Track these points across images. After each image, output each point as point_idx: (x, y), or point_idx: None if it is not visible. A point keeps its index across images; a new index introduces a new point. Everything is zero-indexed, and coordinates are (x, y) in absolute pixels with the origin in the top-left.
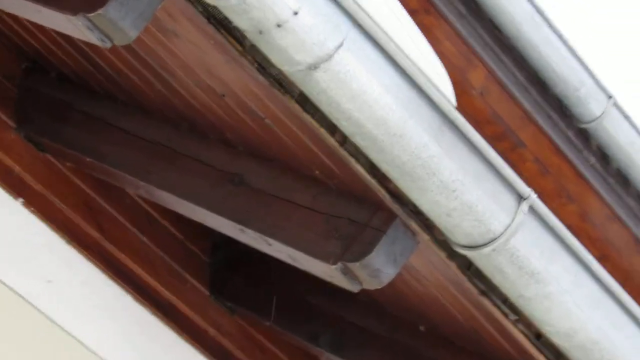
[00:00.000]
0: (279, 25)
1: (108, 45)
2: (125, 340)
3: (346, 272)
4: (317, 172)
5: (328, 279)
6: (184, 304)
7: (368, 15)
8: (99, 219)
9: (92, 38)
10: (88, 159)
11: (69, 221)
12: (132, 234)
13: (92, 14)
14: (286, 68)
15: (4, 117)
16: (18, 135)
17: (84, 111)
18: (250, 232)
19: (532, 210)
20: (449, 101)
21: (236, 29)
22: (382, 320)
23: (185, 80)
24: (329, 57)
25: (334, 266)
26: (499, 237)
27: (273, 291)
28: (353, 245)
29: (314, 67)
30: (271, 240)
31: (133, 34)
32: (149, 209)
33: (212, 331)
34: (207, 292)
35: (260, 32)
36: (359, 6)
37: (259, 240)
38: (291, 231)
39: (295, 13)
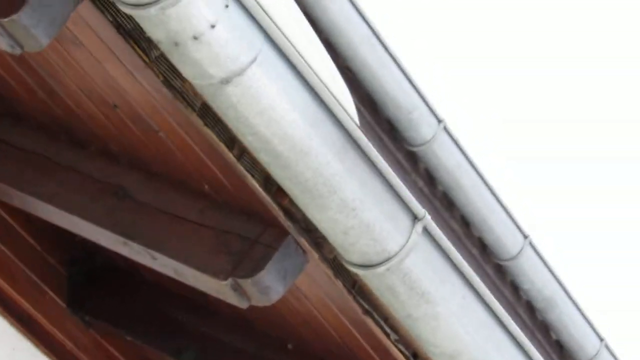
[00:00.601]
0: (195, 38)
1: (17, 52)
2: None
3: (236, 288)
4: (206, 186)
5: (215, 294)
6: (42, 316)
7: (281, 31)
8: None
9: (1, 44)
10: None
11: None
12: None
13: (5, 19)
14: (197, 81)
15: None
16: None
17: None
18: (134, 245)
19: (426, 231)
20: (353, 120)
21: (144, 40)
22: (249, 336)
23: (74, 89)
24: (242, 71)
25: (224, 282)
26: (393, 256)
27: (135, 306)
28: (243, 262)
29: (226, 81)
30: (156, 254)
31: (45, 41)
32: (8, 218)
33: (69, 345)
34: (64, 305)
35: (176, 44)
36: (273, 22)
37: (143, 254)
38: (178, 245)
39: (212, 26)
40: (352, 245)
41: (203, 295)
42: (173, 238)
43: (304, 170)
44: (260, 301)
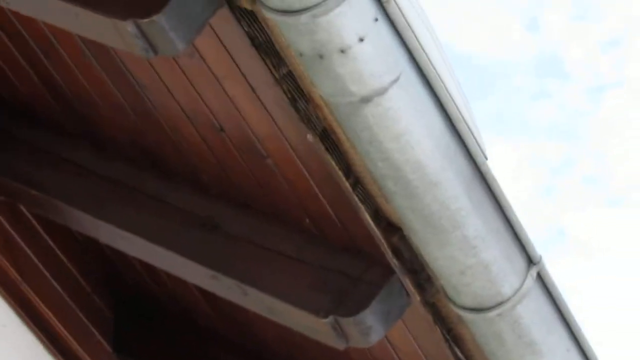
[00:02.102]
0: (342, 51)
1: (151, 56)
2: None
3: (336, 327)
4: (307, 220)
5: (310, 333)
6: (89, 358)
7: (425, 52)
8: (19, 261)
9: (135, 46)
10: (33, 192)
11: None
12: (49, 282)
13: (145, 20)
14: (334, 99)
15: None
16: None
17: (27, 140)
18: (224, 279)
19: (539, 276)
20: (483, 153)
21: (274, 55)
22: None
23: (174, 109)
24: (384, 91)
25: (324, 320)
26: (507, 301)
27: (184, 351)
28: (345, 300)
29: (366, 100)
30: (249, 289)
31: (182, 46)
32: (60, 254)
33: None
34: (110, 349)
35: (320, 57)
36: (419, 42)
37: (233, 289)
38: (273, 281)
39: (361, 40)
40: (466, 286)
41: (258, 343)
42: (268, 273)
43: (430, 202)
44: (359, 342)
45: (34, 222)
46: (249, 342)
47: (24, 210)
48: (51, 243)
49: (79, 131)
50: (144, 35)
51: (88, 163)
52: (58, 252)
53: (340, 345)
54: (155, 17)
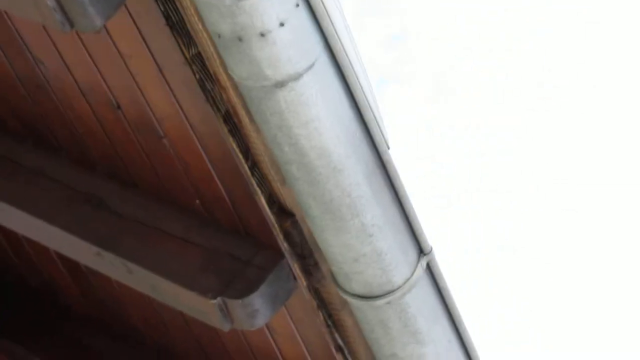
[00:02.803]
0: (262, 35)
1: (67, 30)
2: None
3: (223, 308)
4: (197, 201)
5: (195, 314)
6: None
7: (339, 40)
8: None
9: (51, 20)
10: None
11: None
12: None
13: None
14: (247, 82)
15: None
16: None
17: None
18: (108, 256)
19: (429, 267)
20: (386, 142)
21: (185, 35)
22: None
23: (69, 83)
24: (299, 76)
25: (212, 301)
26: (396, 290)
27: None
28: (234, 282)
29: (280, 85)
30: (134, 267)
31: (99, 22)
32: None
33: None
34: None
35: (240, 39)
36: (335, 30)
37: (118, 267)
38: (158, 260)
39: (282, 24)
40: (358, 274)
41: (125, 325)
42: (154, 252)
43: (332, 189)
44: (244, 325)
45: None
46: (115, 322)
47: None
48: None
49: None
50: (62, 8)
51: None
52: None
53: (225, 327)
54: None
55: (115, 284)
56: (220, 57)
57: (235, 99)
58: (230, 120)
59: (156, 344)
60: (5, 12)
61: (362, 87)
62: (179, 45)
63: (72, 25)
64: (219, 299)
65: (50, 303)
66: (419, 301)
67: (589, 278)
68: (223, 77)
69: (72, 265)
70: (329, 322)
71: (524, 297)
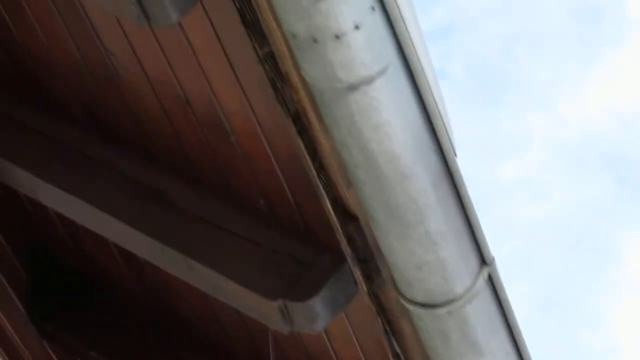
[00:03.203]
0: (337, 37)
1: (144, 24)
2: None
3: (284, 311)
4: (262, 201)
5: (255, 315)
6: (7, 321)
7: (413, 46)
8: None
9: (128, 12)
10: None
11: None
12: None
13: None
14: (320, 84)
15: None
16: None
17: None
18: (170, 251)
19: (490, 278)
20: (453, 150)
21: (259, 34)
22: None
23: (139, 75)
24: (372, 80)
25: (273, 302)
26: (458, 299)
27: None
28: (296, 285)
29: (353, 87)
30: (195, 264)
31: (175, 17)
32: None
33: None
34: (24, 311)
35: (314, 40)
36: (409, 36)
37: (179, 263)
38: (220, 259)
39: (357, 27)
40: (420, 281)
41: (177, 320)
42: (216, 250)
43: (399, 195)
44: (304, 328)
45: None
46: (168, 317)
47: None
48: None
49: (29, 89)
50: (139, 2)
51: (30, 121)
52: None
53: (284, 330)
54: None
55: (173, 279)
56: (293, 57)
57: (305, 100)
58: (300, 121)
59: (210, 340)
60: (79, 2)
61: (432, 94)
62: (252, 43)
63: (148, 19)
64: (280, 300)
65: (106, 294)
66: (479, 312)
67: None
68: (294, 78)
69: (129, 256)
70: (388, 329)
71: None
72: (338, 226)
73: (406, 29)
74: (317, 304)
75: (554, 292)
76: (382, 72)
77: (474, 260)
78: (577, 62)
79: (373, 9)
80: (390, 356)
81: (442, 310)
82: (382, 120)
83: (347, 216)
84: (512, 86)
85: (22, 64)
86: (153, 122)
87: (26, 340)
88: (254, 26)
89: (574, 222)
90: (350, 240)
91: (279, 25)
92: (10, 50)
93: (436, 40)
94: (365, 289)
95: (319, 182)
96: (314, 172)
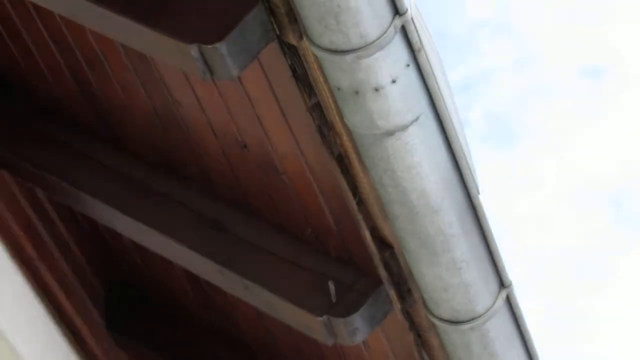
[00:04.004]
0: (376, 90)
1: (207, 78)
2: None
3: (328, 326)
4: (309, 230)
5: (303, 329)
6: (88, 332)
7: (442, 98)
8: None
9: (194, 68)
10: (63, 184)
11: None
12: (57, 261)
13: (208, 46)
14: (360, 130)
15: None
16: None
17: (62, 140)
18: (229, 274)
19: (508, 298)
20: (477, 187)
21: (307, 86)
22: None
23: (202, 123)
24: (405, 128)
25: (319, 318)
26: (479, 317)
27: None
28: (339, 303)
29: (389, 134)
30: (250, 285)
31: (235, 72)
32: (67, 238)
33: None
34: (103, 323)
35: (356, 92)
36: (438, 89)
37: (237, 284)
38: (273, 280)
39: (394, 81)
40: (446, 302)
41: (238, 333)
42: (269, 273)
43: (429, 227)
44: (345, 341)
45: (48, 207)
46: (230, 330)
47: (41, 196)
48: (61, 227)
49: (105, 132)
50: (204, 59)
51: (109, 160)
52: (65, 235)
53: (328, 342)
54: (217, 45)
55: (230, 297)
56: (337, 106)
57: (347, 144)
58: (342, 162)
59: (262, 350)
60: (151, 58)
61: (459, 139)
62: (302, 95)
63: (212, 74)
64: (324, 317)
65: (172, 310)
66: (498, 327)
67: None
68: (338, 124)
69: (193, 278)
70: (418, 342)
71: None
72: (376, 253)
73: (436, 82)
74: (357, 319)
75: (559, 311)
76: (415, 120)
77: (494, 283)
78: (582, 113)
79: (408, 65)
80: None
81: (465, 326)
82: (414, 162)
83: (383, 245)
84: (525, 133)
85: (101, 110)
86: (215, 163)
87: (104, 348)
88: (303, 80)
89: (577, 252)
90: (386, 266)
91: (325, 79)
92: (90, 97)
93: (459, 92)
94: (398, 307)
95: (358, 215)
96: (354, 206)
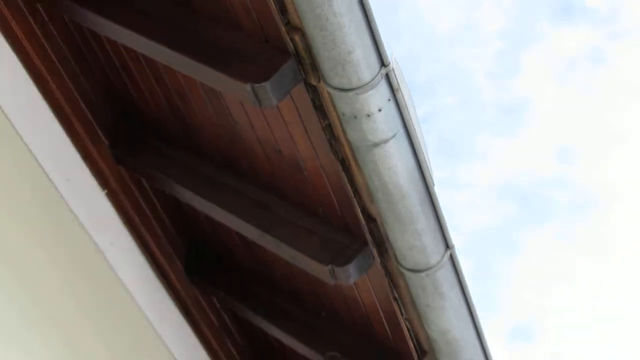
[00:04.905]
0: (368, 115)
1: (256, 105)
2: None
3: (332, 272)
4: (321, 209)
5: (314, 273)
6: (175, 277)
7: (411, 122)
8: (141, 214)
9: (248, 99)
10: (160, 175)
11: (129, 216)
12: (154, 227)
13: (257, 85)
14: (357, 142)
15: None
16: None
17: (159, 146)
18: (268, 237)
19: (451, 256)
20: (432, 182)
21: (322, 113)
22: (301, 306)
23: (251, 136)
24: (387, 141)
25: (326, 267)
26: (432, 267)
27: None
28: (338, 257)
29: (375, 145)
30: (281, 245)
31: (275, 102)
32: (163, 214)
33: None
34: (183, 269)
35: (355, 117)
36: (409, 114)
37: (273, 243)
38: (297, 242)
39: (379, 110)
40: (410, 257)
41: (271, 278)
42: (294, 237)
43: (400, 207)
44: (342, 282)
45: (150, 192)
46: (268, 275)
47: (145, 184)
48: (158, 205)
49: (188, 141)
50: (255, 93)
51: (189, 161)
52: (161, 211)
53: (331, 282)
54: (264, 84)
55: (268, 252)
56: (342, 126)
57: (348, 151)
58: (344, 164)
59: (288, 289)
60: (220, 92)
61: (422, 149)
62: (319, 118)
63: (259, 103)
64: (329, 266)
65: (229, 261)
66: (444, 275)
67: None
68: (342, 138)
69: (244, 239)
70: (391, 284)
71: None
72: (364, 225)
73: (408, 112)
74: (351, 268)
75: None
76: (393, 136)
77: (442, 246)
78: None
79: (389, 99)
80: (392, 299)
81: (423, 274)
82: (392, 164)
83: (370, 219)
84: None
85: (186, 126)
86: (260, 164)
87: (183, 285)
88: (320, 108)
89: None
90: (371, 233)
91: (335, 108)
92: (179, 117)
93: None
94: (378, 261)
95: (354, 199)
96: (351, 193)
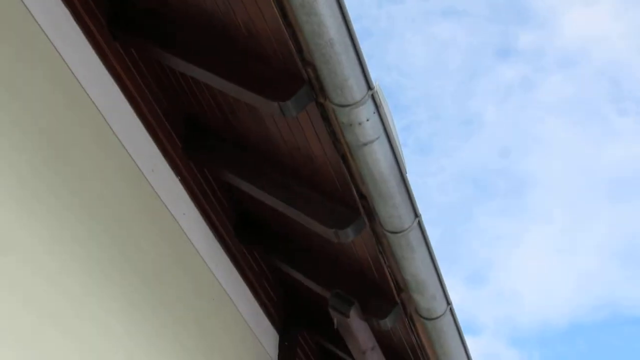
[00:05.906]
0: (359, 124)
1: (281, 116)
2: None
3: (335, 233)
4: (327, 190)
5: (322, 234)
6: (230, 242)
7: (390, 128)
8: (206, 194)
9: (275, 112)
10: (217, 166)
11: (201, 203)
12: (214, 203)
13: (282, 103)
14: (352, 142)
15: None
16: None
17: (221, 148)
18: (291, 209)
19: (419, 222)
20: (405, 170)
21: (329, 123)
22: (314, 257)
23: (279, 138)
24: (373, 142)
25: (331, 229)
26: (406, 230)
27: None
28: (340, 222)
29: (364, 144)
30: (301, 214)
31: (295, 114)
32: (220, 194)
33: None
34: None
35: (350, 125)
36: (389, 123)
37: (294, 213)
38: (310, 210)
39: (367, 120)
40: (389, 222)
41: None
42: (309, 207)
43: (383, 188)
44: (342, 240)
45: (210, 179)
46: (290, 237)
47: (208, 174)
48: (215, 186)
49: (236, 142)
50: (281, 109)
51: (239, 156)
52: (219, 192)
53: (335, 240)
54: (287, 102)
55: (291, 220)
56: (342, 131)
57: (346, 149)
58: (344, 157)
59: (306, 243)
60: (255, 107)
61: (397, 145)
62: (325, 126)
63: (284, 115)
64: (334, 229)
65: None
66: (414, 236)
67: None
68: (342, 139)
69: (273, 209)
70: (377, 242)
71: None
72: (358, 200)
73: (388, 121)
74: (349, 231)
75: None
76: (377, 138)
77: (412, 214)
78: None
79: (374, 112)
80: (377, 253)
81: (399, 235)
82: (377, 158)
83: (362, 196)
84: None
85: (235, 133)
86: (284, 158)
87: (235, 244)
88: (326, 119)
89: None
90: (363, 207)
91: (336, 118)
92: (230, 126)
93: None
94: (368, 225)
95: (351, 183)
96: (349, 178)
